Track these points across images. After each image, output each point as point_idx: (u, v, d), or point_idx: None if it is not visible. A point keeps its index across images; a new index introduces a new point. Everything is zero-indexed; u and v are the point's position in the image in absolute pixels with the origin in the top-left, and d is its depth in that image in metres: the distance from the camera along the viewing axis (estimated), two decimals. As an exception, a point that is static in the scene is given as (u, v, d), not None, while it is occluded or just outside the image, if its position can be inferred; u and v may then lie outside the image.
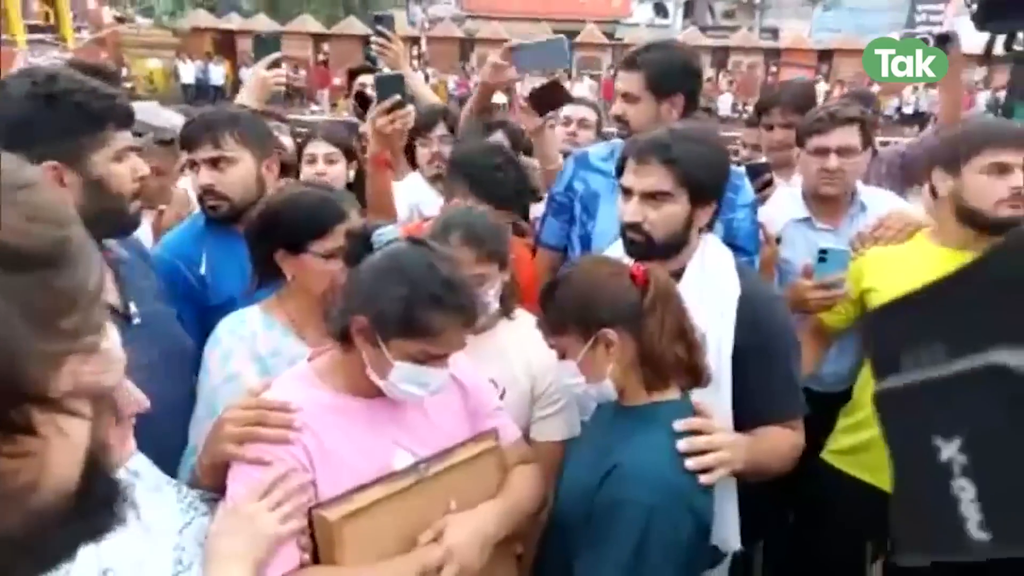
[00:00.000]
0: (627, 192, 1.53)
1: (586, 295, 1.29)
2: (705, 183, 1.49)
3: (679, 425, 1.26)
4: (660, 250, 1.50)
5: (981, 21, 2.37)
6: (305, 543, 1.11)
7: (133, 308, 1.40)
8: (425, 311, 1.11)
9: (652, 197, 1.48)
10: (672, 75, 1.93)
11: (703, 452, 1.25)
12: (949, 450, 0.38)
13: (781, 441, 1.48)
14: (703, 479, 1.24)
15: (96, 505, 0.49)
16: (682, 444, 1.24)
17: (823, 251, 1.84)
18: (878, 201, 2.12)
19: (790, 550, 2.09)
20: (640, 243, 1.51)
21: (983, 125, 1.82)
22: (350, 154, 2.45)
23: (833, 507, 1.88)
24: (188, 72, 21.20)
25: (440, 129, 2.49)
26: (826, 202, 2.12)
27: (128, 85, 16.78)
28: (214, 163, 1.73)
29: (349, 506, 1.11)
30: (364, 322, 1.14)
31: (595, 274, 1.33)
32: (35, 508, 0.43)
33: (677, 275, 1.48)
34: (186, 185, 2.19)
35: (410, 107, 1.99)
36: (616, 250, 1.59)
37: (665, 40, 2.11)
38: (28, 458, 0.41)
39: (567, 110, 2.84)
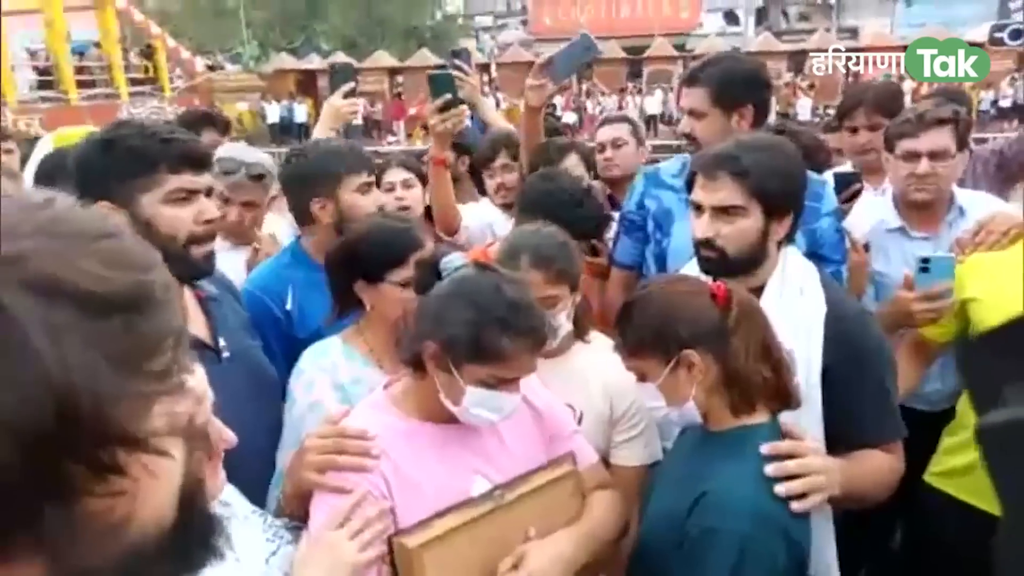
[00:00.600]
0: (698, 208, 1.48)
1: (665, 315, 1.25)
2: (778, 194, 1.43)
3: (766, 449, 1.19)
4: (736, 266, 1.45)
5: None
6: (386, 572, 1.12)
7: (222, 343, 1.47)
8: (493, 335, 1.11)
9: (724, 212, 1.43)
10: (737, 86, 1.87)
11: (794, 477, 1.18)
12: None
13: (879, 465, 1.38)
14: (795, 506, 1.16)
15: (192, 540, 0.50)
16: (770, 469, 1.17)
17: (925, 260, 1.72)
18: (978, 204, 1.98)
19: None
20: (714, 259, 1.46)
21: None
22: (423, 178, 2.52)
23: (939, 533, 1.75)
24: (273, 112, 22.41)
25: (502, 158, 2.51)
26: (920, 209, 1.99)
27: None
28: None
29: (429, 533, 1.11)
30: (435, 348, 1.15)
31: (674, 293, 1.28)
32: (133, 543, 0.44)
33: (757, 292, 1.42)
34: (271, 227, 2.29)
35: (463, 107, 2.06)
36: (691, 269, 1.54)
37: (727, 52, 2.06)
38: (120, 497, 0.43)
39: (598, 135, 2.67)
